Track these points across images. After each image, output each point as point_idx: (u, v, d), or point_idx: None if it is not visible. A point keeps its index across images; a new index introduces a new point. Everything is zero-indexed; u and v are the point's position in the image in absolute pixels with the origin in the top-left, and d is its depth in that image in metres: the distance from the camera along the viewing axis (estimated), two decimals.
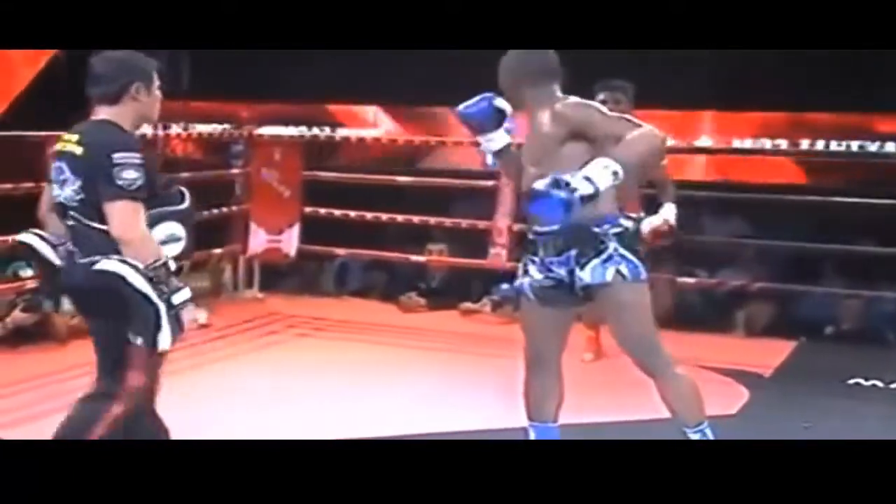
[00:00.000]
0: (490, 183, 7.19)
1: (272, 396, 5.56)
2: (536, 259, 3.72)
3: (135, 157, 3.30)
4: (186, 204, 3.57)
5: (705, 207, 8.06)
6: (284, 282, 8.23)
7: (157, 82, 3.53)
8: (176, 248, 3.45)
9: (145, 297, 3.23)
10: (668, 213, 5.42)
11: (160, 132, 9.40)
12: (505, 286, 7.24)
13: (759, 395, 5.67)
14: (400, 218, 7.59)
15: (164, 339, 3.28)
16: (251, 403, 5.39)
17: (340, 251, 7.96)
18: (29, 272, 6.36)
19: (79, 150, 3.35)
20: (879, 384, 5.92)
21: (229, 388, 5.66)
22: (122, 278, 3.24)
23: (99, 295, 3.33)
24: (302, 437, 4.80)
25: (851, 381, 5.96)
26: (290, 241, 7.71)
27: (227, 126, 8.75)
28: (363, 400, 5.53)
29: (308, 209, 7.75)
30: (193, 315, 3.47)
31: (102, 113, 3.44)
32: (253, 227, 7.70)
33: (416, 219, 7.58)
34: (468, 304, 7.69)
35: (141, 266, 3.26)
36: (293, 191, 7.68)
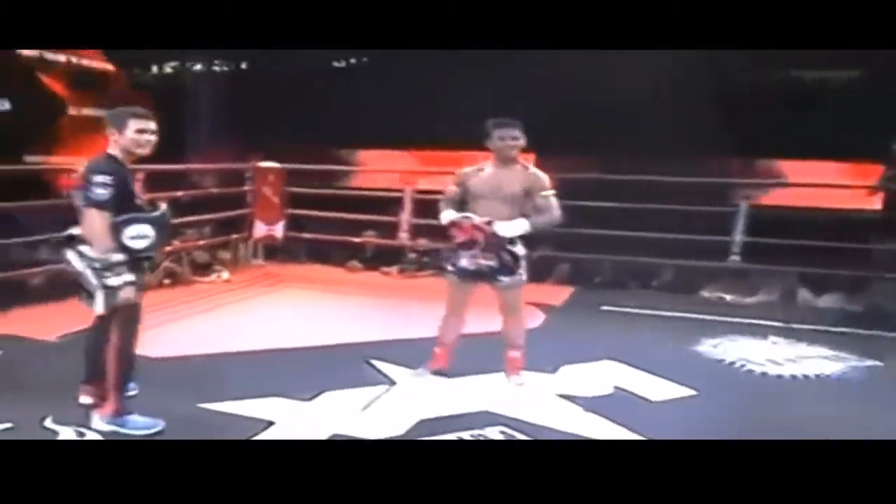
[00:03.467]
0: (398, 194, 7.33)
1: (268, 319, 5.69)
2: None
3: (106, 178, 3.09)
4: (157, 213, 3.30)
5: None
6: (277, 255, 8.09)
7: (131, 128, 3.20)
8: (144, 243, 3.20)
9: (82, 276, 3.18)
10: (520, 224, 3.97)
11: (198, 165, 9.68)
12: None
13: (551, 316, 5.91)
14: (346, 215, 7.60)
15: (98, 307, 3.16)
16: (256, 323, 5.52)
17: (309, 236, 7.98)
18: None
19: (80, 171, 3.25)
20: (615, 308, 6.23)
21: (244, 317, 5.78)
22: (69, 262, 3.20)
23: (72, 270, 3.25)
24: (285, 342, 4.88)
25: (603, 308, 6.26)
26: (279, 230, 7.70)
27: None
28: (323, 320, 5.65)
29: (289, 210, 7.74)
30: (129, 295, 3.15)
31: (108, 148, 3.27)
32: (256, 221, 7.67)
33: (353, 216, 7.60)
34: (385, 268, 7.74)
35: (92, 255, 3.14)
36: (280, 199, 7.66)
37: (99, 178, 3.11)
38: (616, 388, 4.22)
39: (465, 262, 4.10)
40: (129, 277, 3.16)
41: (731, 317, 5.98)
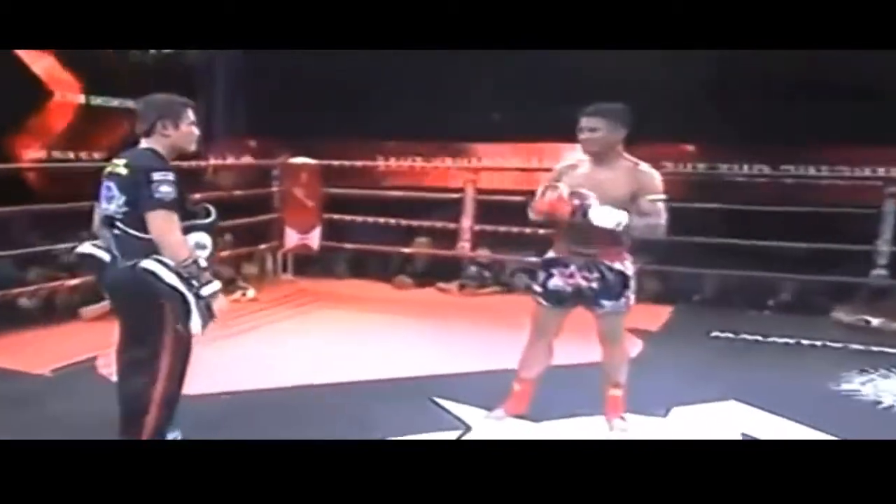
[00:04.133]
0: (457, 195, 7.18)
1: (305, 347, 5.54)
2: None
3: (169, 175, 3.06)
4: (212, 218, 3.31)
5: None
6: (311, 268, 7.97)
7: (187, 120, 3.23)
8: (204, 254, 3.17)
9: (176, 290, 3.01)
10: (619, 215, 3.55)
11: (213, 161, 9.57)
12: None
13: (651, 345, 5.61)
14: (392, 221, 7.47)
15: (196, 325, 3.05)
16: (291, 352, 5.38)
17: (350, 246, 7.84)
18: None
19: (124, 172, 3.12)
20: (731, 335, 5.96)
21: (275, 344, 5.61)
22: (156, 275, 3.01)
23: (138, 290, 3.06)
24: (328, 376, 4.74)
25: (713, 334, 5.99)
26: (315, 239, 7.61)
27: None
28: (371, 348, 5.50)
29: (326, 215, 7.65)
30: (223, 303, 3.14)
31: (143, 143, 3.20)
32: (287, 228, 7.57)
33: (404, 221, 7.46)
34: (442, 284, 7.57)
35: (173, 265, 3.03)
36: (315, 202, 7.56)
37: (162, 175, 3.06)
38: (744, 435, 3.97)
39: (558, 280, 3.80)
40: (218, 285, 3.12)
41: (881, 346, 5.65)
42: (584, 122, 3.68)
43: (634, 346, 5.42)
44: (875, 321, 6.11)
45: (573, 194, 3.58)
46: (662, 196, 3.67)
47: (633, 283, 3.78)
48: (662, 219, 3.66)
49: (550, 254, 3.86)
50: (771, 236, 6.48)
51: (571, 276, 3.76)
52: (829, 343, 5.72)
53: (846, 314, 6.28)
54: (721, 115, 7.34)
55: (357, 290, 7.53)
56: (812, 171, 7.28)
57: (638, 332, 5.75)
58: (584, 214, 3.55)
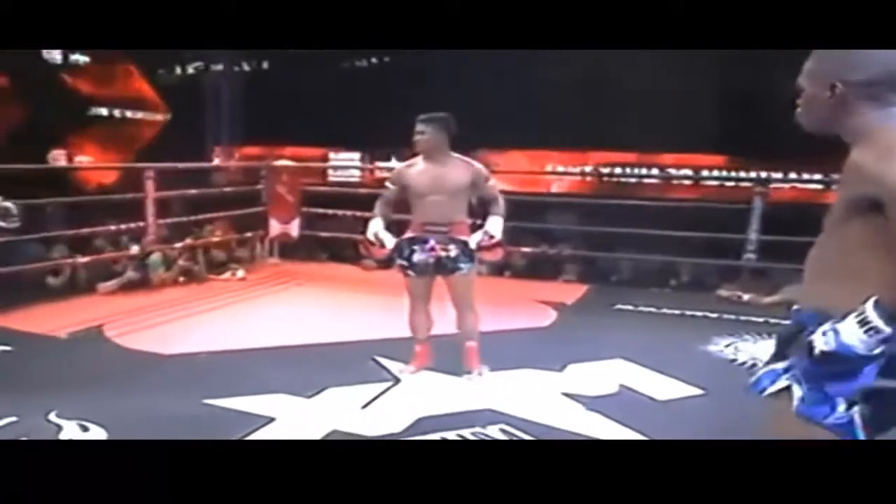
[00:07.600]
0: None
1: (279, 316, 5.73)
2: None
3: None
4: None
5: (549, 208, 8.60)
6: (297, 253, 8.11)
7: None
8: None
9: None
10: (491, 226, 4.03)
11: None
12: None
13: (562, 315, 5.92)
14: (359, 214, 7.47)
15: None
16: (266, 321, 5.57)
17: (325, 234, 8.05)
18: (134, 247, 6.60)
19: None
20: (631, 307, 6.21)
21: (254, 314, 5.83)
22: None
23: None
24: (293, 339, 4.89)
25: (616, 307, 6.25)
26: (294, 228, 7.81)
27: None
28: (333, 317, 5.65)
29: (304, 209, 7.89)
30: None
31: None
32: (271, 220, 7.77)
33: (359, 214, 7.31)
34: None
35: None
36: (295, 197, 7.77)
37: None
38: (622, 386, 4.22)
39: (421, 254, 4.07)
40: None
41: (746, 316, 5.93)
42: (417, 126, 3.94)
43: (549, 316, 5.82)
44: (746, 296, 6.48)
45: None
46: (493, 180, 4.11)
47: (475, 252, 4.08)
48: (501, 197, 4.07)
49: (408, 234, 4.11)
50: (673, 228, 6.83)
51: (433, 249, 4.03)
52: (708, 314, 6.06)
53: (726, 291, 6.65)
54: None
55: (331, 272, 7.66)
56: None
57: (554, 305, 6.15)
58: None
